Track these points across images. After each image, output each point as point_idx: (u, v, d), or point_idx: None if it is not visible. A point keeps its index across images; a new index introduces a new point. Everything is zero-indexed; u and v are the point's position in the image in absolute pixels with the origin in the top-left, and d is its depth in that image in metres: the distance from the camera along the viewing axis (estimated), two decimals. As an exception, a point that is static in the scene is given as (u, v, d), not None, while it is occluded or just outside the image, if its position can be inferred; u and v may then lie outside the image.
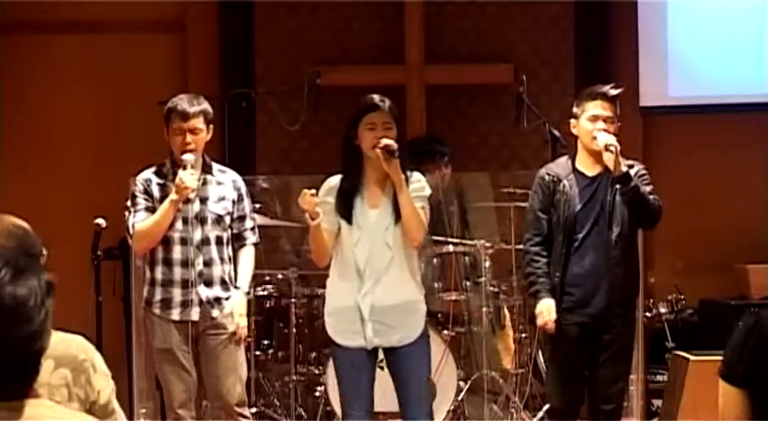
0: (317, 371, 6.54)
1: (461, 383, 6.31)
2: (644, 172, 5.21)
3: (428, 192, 4.88)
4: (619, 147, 5.01)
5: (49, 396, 2.62)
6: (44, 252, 2.80)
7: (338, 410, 6.16)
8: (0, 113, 7.74)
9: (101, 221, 6.11)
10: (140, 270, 6.65)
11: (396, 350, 4.81)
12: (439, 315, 6.39)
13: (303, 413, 6.53)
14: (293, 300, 6.60)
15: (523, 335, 6.62)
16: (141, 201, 5.18)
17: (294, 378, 6.51)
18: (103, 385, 2.75)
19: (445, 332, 6.34)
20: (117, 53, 7.80)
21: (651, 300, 7.25)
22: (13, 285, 2.01)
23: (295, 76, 7.30)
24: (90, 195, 7.37)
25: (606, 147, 5.00)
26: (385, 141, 4.70)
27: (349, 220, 4.80)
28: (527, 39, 7.76)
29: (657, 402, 6.85)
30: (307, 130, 7.32)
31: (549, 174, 5.22)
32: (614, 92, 5.15)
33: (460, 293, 6.52)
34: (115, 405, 2.78)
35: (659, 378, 7.00)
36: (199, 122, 5.17)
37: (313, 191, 4.73)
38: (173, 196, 5.06)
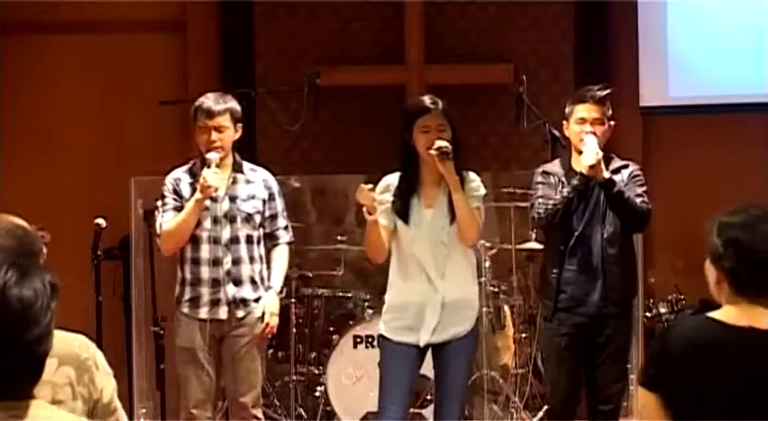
0: (316, 371, 6.54)
1: (461, 383, 6.31)
2: (638, 173, 5.22)
3: (483, 191, 4.95)
4: (600, 155, 5.01)
5: (53, 394, 2.64)
6: (44, 250, 2.81)
7: (338, 410, 6.18)
8: (0, 113, 7.74)
9: (101, 221, 6.11)
10: (140, 270, 6.67)
11: (446, 345, 4.85)
12: (439, 315, 6.39)
13: (303, 413, 6.54)
14: (293, 300, 6.60)
15: (523, 335, 6.62)
16: (170, 201, 5.18)
17: (294, 378, 6.51)
18: (106, 383, 2.76)
19: (445, 332, 6.34)
20: (117, 53, 7.80)
21: (651, 300, 7.24)
22: (19, 287, 2.00)
23: (295, 76, 7.30)
24: (90, 195, 7.38)
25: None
26: (438, 143, 4.75)
27: (406, 220, 4.86)
28: (527, 39, 7.75)
29: (657, 402, 6.84)
30: (307, 130, 7.32)
31: (546, 172, 5.25)
32: (601, 94, 5.15)
33: (461, 293, 6.51)
34: (117, 403, 2.79)
35: (659, 378, 6.99)
36: (224, 120, 5.17)
37: (370, 186, 4.79)
38: (197, 195, 5.06)
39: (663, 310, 7.21)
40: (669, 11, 7.69)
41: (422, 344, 4.85)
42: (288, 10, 7.76)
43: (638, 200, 5.12)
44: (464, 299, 4.91)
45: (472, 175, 4.95)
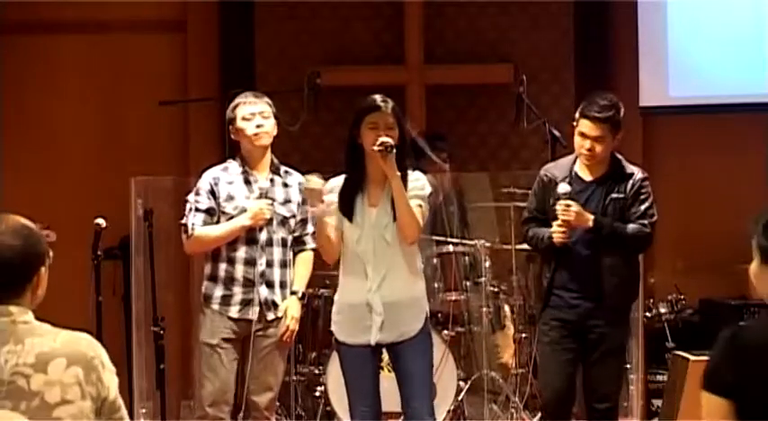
0: (317, 371, 6.54)
1: (461, 383, 6.32)
2: (643, 184, 5.15)
3: (428, 190, 4.90)
4: (574, 214, 5.00)
5: (62, 394, 2.66)
6: (50, 254, 2.81)
7: (338, 410, 6.18)
8: (0, 113, 7.74)
9: (101, 221, 6.10)
10: (140, 270, 6.67)
11: (398, 345, 4.85)
12: (439, 315, 6.40)
13: (303, 413, 6.54)
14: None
15: (523, 334, 6.62)
16: (204, 201, 5.17)
17: (294, 378, 6.51)
18: (111, 381, 2.78)
19: (445, 332, 6.35)
20: (117, 53, 7.80)
21: (651, 300, 7.25)
22: None
23: (295, 75, 7.29)
24: (90, 195, 7.38)
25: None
26: (382, 139, 4.73)
27: (350, 218, 4.84)
28: (527, 39, 7.76)
29: (657, 402, 6.85)
30: (307, 130, 7.31)
31: (546, 176, 5.24)
32: (604, 114, 5.04)
33: (460, 293, 6.53)
34: (120, 399, 2.81)
35: (659, 378, 7.00)
36: (267, 107, 5.22)
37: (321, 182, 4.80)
38: (245, 221, 5.09)
39: (663, 310, 7.22)
40: (669, 11, 7.70)
41: (372, 342, 4.84)
42: (288, 10, 7.76)
43: (636, 226, 5.08)
44: (409, 297, 4.87)
45: (417, 174, 4.92)
